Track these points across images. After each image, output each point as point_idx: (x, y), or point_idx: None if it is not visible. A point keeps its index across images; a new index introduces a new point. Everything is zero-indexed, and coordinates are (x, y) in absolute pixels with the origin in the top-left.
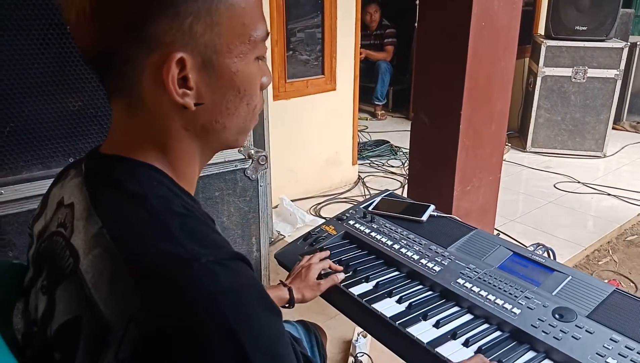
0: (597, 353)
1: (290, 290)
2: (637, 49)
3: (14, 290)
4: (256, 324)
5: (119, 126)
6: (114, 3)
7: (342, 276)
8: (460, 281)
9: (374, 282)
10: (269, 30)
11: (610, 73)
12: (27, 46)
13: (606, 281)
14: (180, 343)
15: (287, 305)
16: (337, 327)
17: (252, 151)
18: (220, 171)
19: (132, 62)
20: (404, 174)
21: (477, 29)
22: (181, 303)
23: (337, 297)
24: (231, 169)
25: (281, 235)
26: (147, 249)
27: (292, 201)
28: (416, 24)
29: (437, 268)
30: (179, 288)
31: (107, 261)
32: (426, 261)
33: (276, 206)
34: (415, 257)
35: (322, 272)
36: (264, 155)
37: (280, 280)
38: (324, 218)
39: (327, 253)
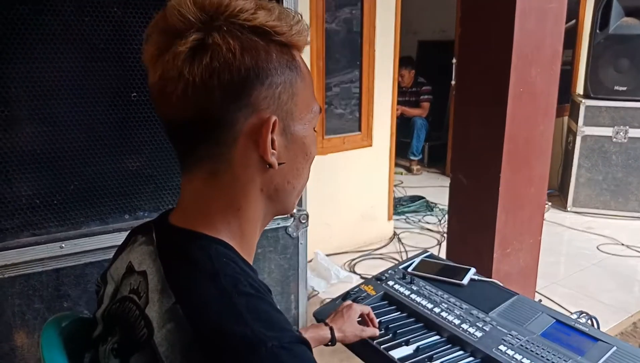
0: None
1: (331, 329)
2: None
3: (83, 342)
4: None
5: (193, 196)
6: (223, 74)
7: (378, 332)
8: (502, 348)
9: (414, 346)
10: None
11: None
12: (95, 112)
13: None
14: None
15: (328, 344)
16: None
17: (295, 210)
18: (264, 229)
19: (231, 126)
20: (440, 232)
21: (515, 95)
22: None
23: (375, 359)
24: (274, 227)
25: (315, 290)
26: (218, 328)
27: (326, 255)
28: (452, 82)
29: (478, 334)
30: None
31: (180, 336)
32: (467, 327)
33: (310, 261)
34: (456, 322)
35: (359, 319)
36: (305, 214)
37: (321, 319)
38: (359, 274)
39: (369, 308)
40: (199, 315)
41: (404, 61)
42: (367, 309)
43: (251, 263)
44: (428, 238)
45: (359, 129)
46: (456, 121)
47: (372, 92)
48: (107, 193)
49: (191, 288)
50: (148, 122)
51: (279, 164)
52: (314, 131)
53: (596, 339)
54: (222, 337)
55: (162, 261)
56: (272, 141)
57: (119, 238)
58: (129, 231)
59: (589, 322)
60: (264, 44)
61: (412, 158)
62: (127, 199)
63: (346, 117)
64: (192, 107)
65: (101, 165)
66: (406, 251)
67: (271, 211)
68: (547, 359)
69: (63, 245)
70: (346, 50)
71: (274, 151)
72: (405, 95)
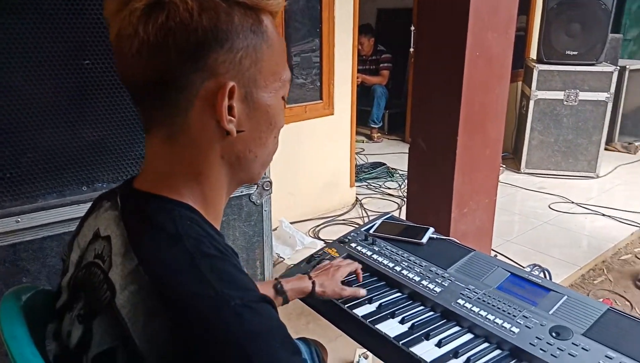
0: None
1: (313, 283)
2: (627, 72)
3: (46, 314)
4: None
5: (155, 159)
6: (178, 34)
7: (364, 292)
8: (461, 301)
9: (377, 303)
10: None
11: (601, 96)
12: (48, 79)
13: (601, 300)
14: None
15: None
16: (338, 349)
17: None
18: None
19: (186, 89)
20: (401, 196)
21: (471, 59)
22: (211, 344)
23: (340, 318)
24: (237, 195)
25: (281, 257)
26: (181, 289)
27: (290, 223)
28: (411, 49)
29: (437, 289)
30: (209, 331)
31: (143, 298)
32: (427, 283)
33: (275, 229)
34: (417, 279)
35: (344, 279)
36: (268, 181)
37: (306, 272)
38: (323, 240)
39: (359, 266)
40: (162, 277)
41: (363, 29)
42: (354, 267)
43: (218, 229)
44: (389, 202)
45: (320, 98)
46: (415, 86)
47: (332, 61)
48: (63, 164)
49: (154, 251)
50: (104, 90)
51: (239, 131)
52: (283, 100)
53: (548, 289)
54: (185, 298)
55: (125, 225)
56: (231, 107)
57: (77, 210)
58: (92, 201)
59: (542, 274)
60: (225, 5)
61: (372, 125)
62: (85, 170)
63: (307, 87)
64: (147, 67)
65: (56, 136)
66: (368, 216)
67: (236, 179)
68: (503, 310)
69: (19, 219)
70: (306, 19)
71: (232, 118)
72: (365, 63)
